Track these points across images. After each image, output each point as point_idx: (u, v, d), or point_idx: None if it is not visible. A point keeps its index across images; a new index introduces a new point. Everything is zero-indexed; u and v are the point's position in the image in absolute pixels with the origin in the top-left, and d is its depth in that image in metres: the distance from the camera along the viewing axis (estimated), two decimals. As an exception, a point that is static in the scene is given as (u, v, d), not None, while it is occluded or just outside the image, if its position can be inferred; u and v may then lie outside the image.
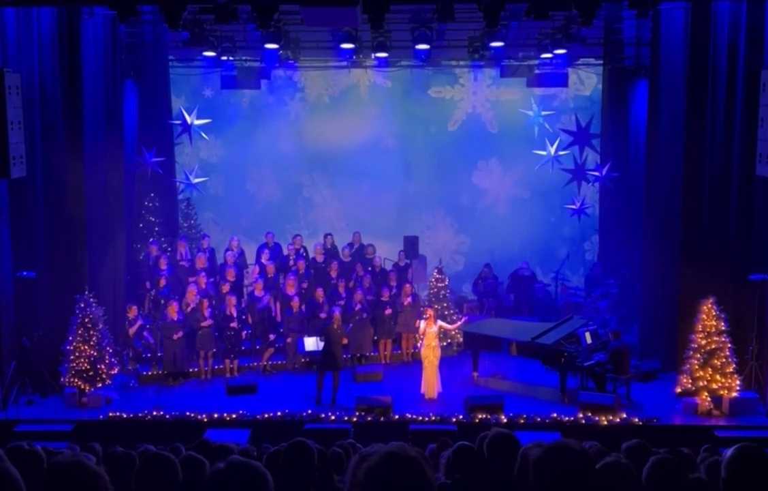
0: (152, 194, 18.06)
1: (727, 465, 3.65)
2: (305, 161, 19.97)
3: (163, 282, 16.24)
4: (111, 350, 14.31)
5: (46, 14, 14.04)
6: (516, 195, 19.90)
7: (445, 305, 16.65)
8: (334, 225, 19.32)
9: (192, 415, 13.32)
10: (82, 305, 13.87)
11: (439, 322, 14.69)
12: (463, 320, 15.77)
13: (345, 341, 14.60)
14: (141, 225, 17.96)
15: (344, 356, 14.45)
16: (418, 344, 14.86)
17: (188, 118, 17.91)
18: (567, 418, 13.14)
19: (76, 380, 13.84)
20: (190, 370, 15.42)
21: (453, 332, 16.10)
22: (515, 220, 19.89)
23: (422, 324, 14.49)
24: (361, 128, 19.75)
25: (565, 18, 15.45)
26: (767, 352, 13.60)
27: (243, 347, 16.05)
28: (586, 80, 19.22)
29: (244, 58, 18.04)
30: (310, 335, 15.08)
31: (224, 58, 17.42)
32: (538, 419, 13.11)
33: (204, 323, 15.27)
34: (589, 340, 14.54)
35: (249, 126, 19.74)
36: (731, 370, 13.37)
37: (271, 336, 15.94)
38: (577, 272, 19.65)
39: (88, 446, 8.50)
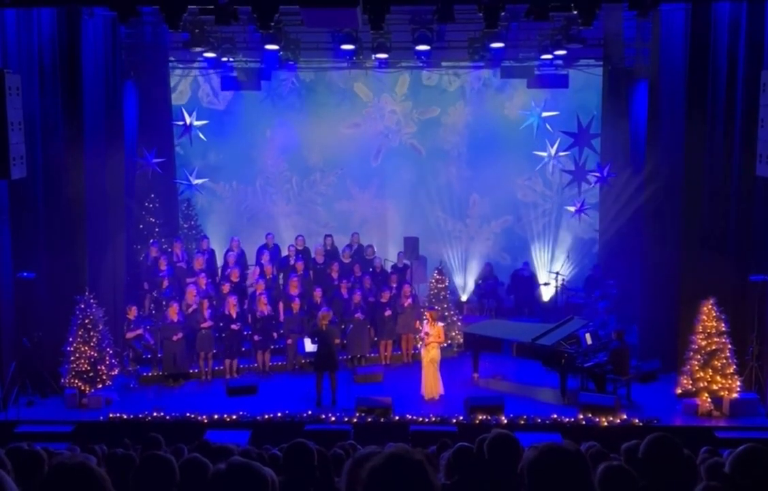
0: (152, 195, 18.05)
1: (732, 463, 3.64)
2: (305, 162, 19.94)
3: (165, 283, 16.24)
4: (111, 351, 14.31)
5: (46, 15, 14.03)
6: (517, 195, 19.89)
7: (445, 305, 16.63)
8: (334, 226, 19.30)
9: (192, 416, 13.31)
10: (82, 305, 13.86)
11: (439, 323, 14.68)
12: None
13: (338, 340, 14.52)
14: (141, 226, 17.94)
15: (343, 357, 14.34)
16: (419, 346, 14.82)
17: (188, 119, 17.91)
18: (567, 419, 13.13)
19: (76, 381, 13.84)
20: (191, 371, 15.40)
21: (453, 333, 16.09)
22: (517, 220, 19.92)
23: (425, 326, 14.40)
24: (362, 128, 19.75)
25: (566, 19, 15.44)
26: (767, 353, 13.59)
27: (243, 348, 16.05)
28: (587, 81, 19.20)
29: (244, 59, 18.03)
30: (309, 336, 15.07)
31: (224, 59, 17.43)
32: (539, 420, 13.10)
33: (204, 325, 15.26)
34: (589, 341, 14.54)
35: (248, 127, 19.72)
36: (731, 371, 13.36)
37: (274, 335, 15.94)
38: (576, 273, 19.62)
39: (88, 447, 8.50)
